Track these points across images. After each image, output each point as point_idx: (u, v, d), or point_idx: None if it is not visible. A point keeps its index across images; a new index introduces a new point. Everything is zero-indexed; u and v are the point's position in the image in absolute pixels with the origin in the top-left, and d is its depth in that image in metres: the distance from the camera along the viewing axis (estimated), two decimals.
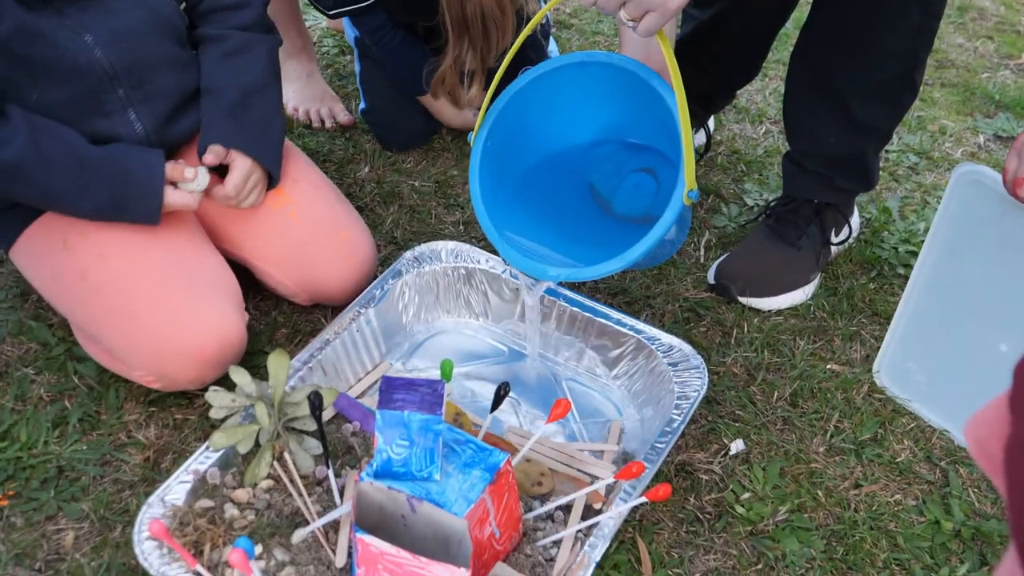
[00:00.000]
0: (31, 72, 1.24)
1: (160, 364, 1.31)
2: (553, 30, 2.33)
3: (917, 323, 1.45)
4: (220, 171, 1.39)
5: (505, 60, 1.29)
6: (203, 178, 1.34)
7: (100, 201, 1.27)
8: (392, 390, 1.06)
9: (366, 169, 1.91)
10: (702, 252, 1.76)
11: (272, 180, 1.44)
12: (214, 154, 1.35)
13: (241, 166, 1.37)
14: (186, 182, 1.32)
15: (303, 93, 2.02)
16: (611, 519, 1.17)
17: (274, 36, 1.47)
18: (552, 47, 2.10)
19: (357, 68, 1.97)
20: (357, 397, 1.41)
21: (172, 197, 1.31)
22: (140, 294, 1.30)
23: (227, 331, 1.32)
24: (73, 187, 1.26)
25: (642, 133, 1.43)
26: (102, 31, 1.26)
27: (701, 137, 1.96)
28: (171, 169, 1.31)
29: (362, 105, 1.97)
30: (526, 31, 1.27)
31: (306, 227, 1.47)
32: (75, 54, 1.24)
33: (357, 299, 1.45)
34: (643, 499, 1.14)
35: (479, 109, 1.84)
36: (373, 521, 1.08)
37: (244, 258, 1.50)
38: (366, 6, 1.71)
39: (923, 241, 1.78)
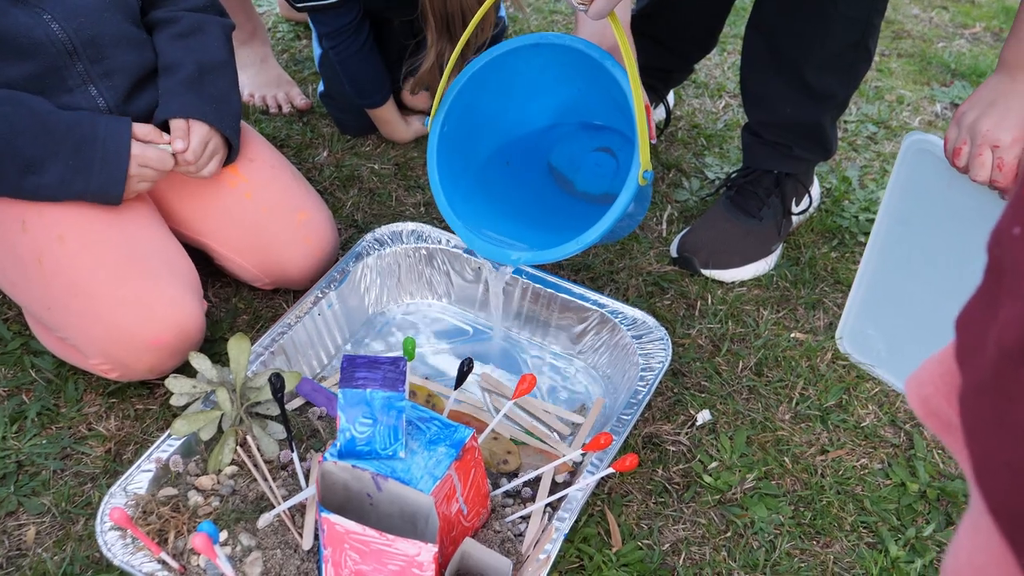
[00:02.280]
0: None
1: (116, 352, 1.29)
2: (510, 10, 2.32)
3: (874, 291, 1.46)
4: None
5: (458, 45, 1.28)
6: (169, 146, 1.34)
7: (65, 167, 1.25)
8: (354, 368, 1.05)
9: (324, 153, 1.89)
10: (664, 226, 1.76)
11: (232, 151, 1.42)
12: (179, 132, 1.34)
13: (199, 130, 1.35)
14: (158, 143, 1.32)
15: (258, 79, 2.00)
16: (579, 491, 1.17)
17: (227, 19, 1.46)
18: None
19: (316, 51, 1.94)
20: (322, 381, 1.40)
21: (149, 152, 1.30)
22: (96, 280, 1.28)
23: (185, 319, 1.31)
24: (39, 152, 1.25)
25: (600, 113, 1.43)
26: (58, 8, 1.27)
27: (661, 112, 1.96)
28: (146, 129, 1.31)
29: (320, 88, 1.95)
30: (486, 6, 1.25)
31: (262, 208, 1.45)
32: (32, 29, 1.25)
33: (318, 282, 1.44)
34: (610, 470, 1.14)
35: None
36: (339, 501, 1.07)
37: (202, 242, 1.48)
38: (336, 2, 1.65)
39: None
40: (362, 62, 1.75)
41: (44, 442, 1.32)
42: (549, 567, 1.08)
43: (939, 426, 0.57)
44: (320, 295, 1.42)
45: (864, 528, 1.29)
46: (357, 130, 1.93)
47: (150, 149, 1.30)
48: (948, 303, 1.33)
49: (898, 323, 1.44)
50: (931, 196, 1.32)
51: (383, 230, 1.52)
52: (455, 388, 1.22)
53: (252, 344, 1.29)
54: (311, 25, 1.77)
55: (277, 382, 1.12)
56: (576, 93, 1.39)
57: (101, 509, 1.12)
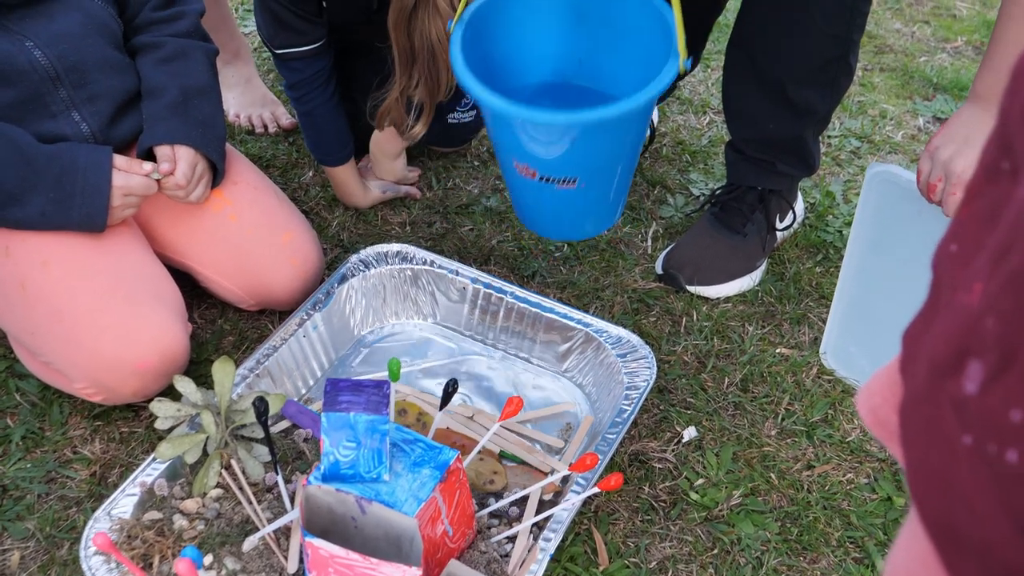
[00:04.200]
0: None
1: (100, 377, 1.28)
2: None
3: (853, 309, 1.47)
4: None
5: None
6: (156, 172, 1.34)
7: (47, 200, 1.25)
8: (337, 392, 1.05)
9: (310, 173, 1.89)
10: (649, 243, 1.77)
11: (217, 175, 1.43)
12: (167, 160, 1.34)
13: (186, 155, 1.35)
14: (140, 174, 1.32)
15: (243, 99, 2.00)
16: (565, 511, 1.17)
17: (211, 45, 1.46)
18: None
19: None
20: (308, 403, 1.39)
21: (133, 181, 1.30)
22: (80, 304, 1.27)
23: (169, 342, 1.31)
24: (19, 185, 1.24)
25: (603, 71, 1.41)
26: (41, 35, 1.27)
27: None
28: (127, 162, 1.31)
29: None
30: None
31: (246, 229, 1.45)
32: (15, 57, 1.25)
33: (303, 304, 1.44)
34: (596, 489, 1.14)
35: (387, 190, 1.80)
36: (323, 525, 1.07)
37: (187, 265, 1.48)
38: (313, 49, 1.59)
39: None
40: (327, 115, 1.67)
41: (29, 466, 1.31)
42: None
43: (885, 436, 0.59)
44: (305, 316, 1.42)
45: (851, 543, 1.29)
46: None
47: (134, 178, 1.30)
48: None
49: (879, 340, 1.44)
50: (900, 222, 1.34)
51: (368, 251, 1.52)
52: (440, 409, 1.22)
53: (237, 366, 1.29)
54: (280, 72, 1.68)
55: (261, 406, 1.12)
56: (575, 40, 1.38)
57: (85, 534, 1.12)
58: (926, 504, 0.49)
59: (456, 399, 1.39)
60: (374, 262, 1.51)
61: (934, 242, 1.21)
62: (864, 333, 1.46)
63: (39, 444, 1.35)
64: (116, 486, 1.26)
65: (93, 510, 1.21)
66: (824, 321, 1.60)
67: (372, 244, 1.55)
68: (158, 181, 1.34)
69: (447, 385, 1.19)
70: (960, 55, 2.49)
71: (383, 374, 1.43)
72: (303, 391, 1.42)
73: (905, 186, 1.30)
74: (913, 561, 0.52)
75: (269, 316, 1.56)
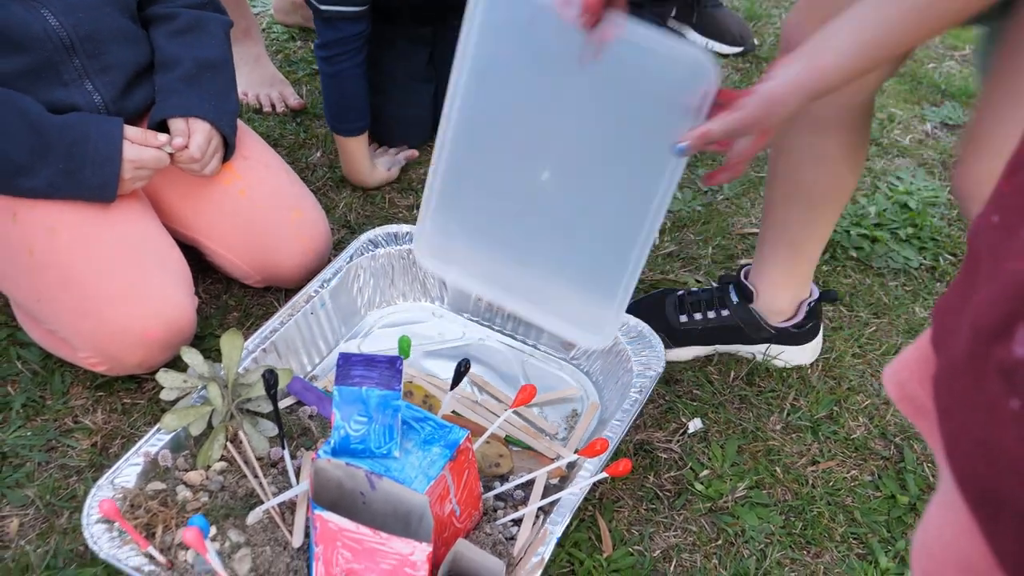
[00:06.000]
0: None
1: (105, 346, 1.27)
2: None
3: (453, 176, 1.24)
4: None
5: None
6: (168, 146, 1.32)
7: (56, 171, 1.24)
8: (350, 366, 1.04)
9: (318, 154, 1.88)
10: (656, 236, 1.76)
11: (228, 149, 1.41)
12: (180, 134, 1.32)
13: (201, 128, 1.34)
14: (153, 145, 1.30)
15: (251, 77, 1.99)
16: (572, 495, 1.16)
17: (225, 17, 1.45)
18: None
19: None
20: (313, 381, 1.38)
21: (145, 153, 1.28)
22: (88, 272, 1.26)
23: (175, 313, 1.29)
24: (28, 156, 1.23)
25: None
26: (57, 3, 1.26)
27: None
28: (139, 133, 1.29)
29: None
30: None
31: (256, 205, 1.44)
32: (30, 24, 1.23)
33: (311, 282, 1.43)
34: (604, 474, 1.13)
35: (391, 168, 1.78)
36: (331, 499, 1.06)
37: (195, 238, 1.46)
38: (359, 11, 1.59)
39: (874, 224, 1.81)
40: (354, 80, 1.67)
41: (29, 434, 1.30)
42: (542, 570, 1.07)
43: (913, 411, 0.60)
44: (313, 294, 1.41)
45: (854, 539, 1.29)
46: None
47: (146, 151, 1.29)
48: (535, 166, 1.18)
49: (482, 204, 1.25)
50: (511, 38, 1.13)
51: (378, 231, 1.51)
52: (451, 388, 1.21)
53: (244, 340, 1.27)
54: (317, 30, 1.70)
55: (271, 378, 1.10)
56: None
57: (88, 502, 1.10)
58: (966, 473, 0.49)
59: (464, 386, 1.38)
60: (383, 242, 1.50)
61: (550, 63, 1.11)
62: (466, 198, 1.24)
63: (40, 413, 1.33)
64: (118, 457, 1.25)
65: (94, 480, 1.20)
66: (830, 320, 1.60)
67: (379, 225, 1.54)
68: (170, 155, 1.32)
69: (459, 364, 1.18)
70: (968, 63, 2.49)
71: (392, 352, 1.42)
72: (309, 369, 1.41)
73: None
74: (947, 527, 0.52)
75: (274, 293, 1.54)
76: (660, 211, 1.12)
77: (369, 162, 1.78)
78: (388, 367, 1.05)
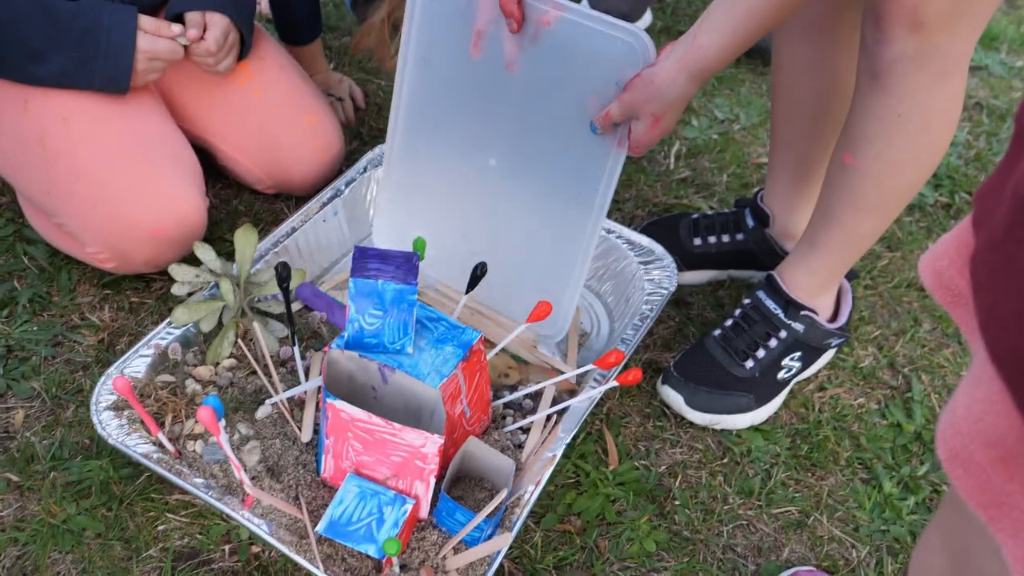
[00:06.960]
0: None
1: (115, 240, 1.26)
2: None
3: (407, 162, 1.30)
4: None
5: None
6: (183, 37, 1.29)
7: (68, 59, 1.21)
8: (366, 259, 1.03)
9: (332, 67, 1.85)
10: (672, 160, 1.74)
11: (244, 47, 1.39)
12: (194, 24, 1.30)
13: (219, 22, 1.31)
14: (167, 36, 1.27)
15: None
16: (581, 403, 1.15)
17: None
18: None
19: None
20: (321, 287, 1.37)
21: (159, 44, 1.26)
22: (99, 164, 1.24)
23: (186, 210, 1.28)
24: (41, 42, 1.20)
25: None
26: None
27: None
28: (154, 23, 1.26)
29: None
30: None
31: (270, 107, 1.42)
32: None
33: (323, 190, 1.41)
34: (614, 383, 1.13)
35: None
36: (342, 393, 1.05)
37: (207, 140, 1.44)
38: None
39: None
40: None
41: (35, 328, 1.29)
42: (552, 469, 1.07)
43: (950, 299, 0.60)
44: (325, 202, 1.39)
45: (859, 464, 1.29)
46: None
47: (160, 42, 1.26)
48: (482, 155, 1.23)
49: (431, 193, 1.30)
50: (451, 26, 1.18)
51: None
52: (467, 292, 1.19)
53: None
54: None
55: (284, 271, 1.09)
56: None
57: (97, 388, 1.10)
58: (1000, 342, 0.49)
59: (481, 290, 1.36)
60: None
61: (488, 50, 1.12)
62: (417, 191, 1.32)
63: (46, 308, 1.32)
64: (124, 353, 1.24)
65: (100, 375, 1.19)
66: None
67: None
68: (185, 47, 1.30)
69: (475, 268, 1.17)
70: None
71: None
72: (319, 276, 1.40)
73: None
74: (976, 402, 0.52)
75: (285, 200, 1.53)
76: (607, 195, 1.17)
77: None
78: (404, 261, 1.04)
